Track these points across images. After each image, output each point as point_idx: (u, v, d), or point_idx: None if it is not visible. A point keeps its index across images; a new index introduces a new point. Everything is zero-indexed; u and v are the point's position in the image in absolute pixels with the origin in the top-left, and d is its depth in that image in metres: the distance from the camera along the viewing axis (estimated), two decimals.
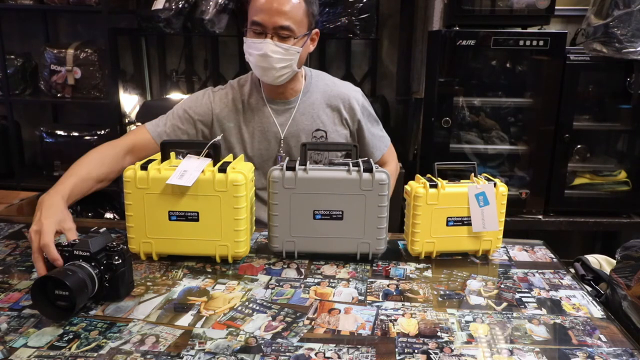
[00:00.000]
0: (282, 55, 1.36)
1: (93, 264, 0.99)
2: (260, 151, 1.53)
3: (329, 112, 1.55)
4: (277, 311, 1.02)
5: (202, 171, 1.16)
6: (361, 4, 2.77)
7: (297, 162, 1.20)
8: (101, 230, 1.04)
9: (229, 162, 1.20)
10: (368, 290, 1.11)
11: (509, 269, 1.25)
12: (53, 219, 1.07)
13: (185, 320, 0.98)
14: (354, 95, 1.58)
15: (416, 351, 0.90)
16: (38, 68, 2.95)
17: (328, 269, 1.21)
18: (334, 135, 1.54)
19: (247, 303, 1.05)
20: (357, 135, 1.61)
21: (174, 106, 1.56)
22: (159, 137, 1.47)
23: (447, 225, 1.25)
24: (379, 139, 1.66)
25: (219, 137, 1.26)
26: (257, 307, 1.03)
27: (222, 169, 1.16)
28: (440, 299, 1.09)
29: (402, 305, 1.06)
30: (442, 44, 2.37)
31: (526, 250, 1.37)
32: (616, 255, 1.30)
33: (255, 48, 1.36)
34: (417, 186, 1.24)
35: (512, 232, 1.41)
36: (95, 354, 0.87)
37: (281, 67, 1.38)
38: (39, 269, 1.02)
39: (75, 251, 0.99)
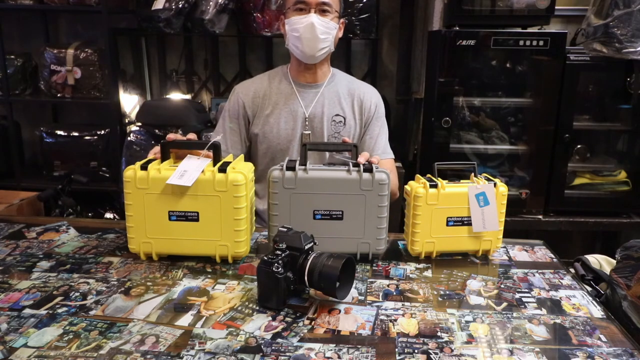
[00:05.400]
0: (324, 27, 1.57)
1: None
2: (287, 131, 1.65)
3: (350, 101, 1.70)
4: (277, 311, 1.02)
5: (202, 171, 1.16)
6: (361, 4, 2.77)
7: (297, 162, 1.20)
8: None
9: (229, 162, 1.20)
10: (368, 290, 1.11)
11: (509, 269, 1.25)
12: None
13: (185, 320, 0.98)
14: (373, 92, 1.76)
15: (416, 351, 0.90)
16: (38, 68, 2.95)
17: None
18: (351, 122, 1.70)
19: (247, 303, 1.05)
20: (365, 129, 1.72)
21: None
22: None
23: (447, 225, 1.25)
24: (382, 141, 1.73)
25: (218, 137, 1.26)
26: (257, 307, 1.03)
27: (222, 169, 1.16)
28: (440, 299, 1.09)
29: (402, 305, 1.06)
30: (442, 44, 2.37)
31: (526, 250, 1.37)
32: (616, 255, 1.30)
33: (301, 22, 1.56)
34: (417, 186, 1.24)
35: (512, 232, 1.41)
36: (95, 354, 0.87)
37: (323, 38, 1.58)
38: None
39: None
